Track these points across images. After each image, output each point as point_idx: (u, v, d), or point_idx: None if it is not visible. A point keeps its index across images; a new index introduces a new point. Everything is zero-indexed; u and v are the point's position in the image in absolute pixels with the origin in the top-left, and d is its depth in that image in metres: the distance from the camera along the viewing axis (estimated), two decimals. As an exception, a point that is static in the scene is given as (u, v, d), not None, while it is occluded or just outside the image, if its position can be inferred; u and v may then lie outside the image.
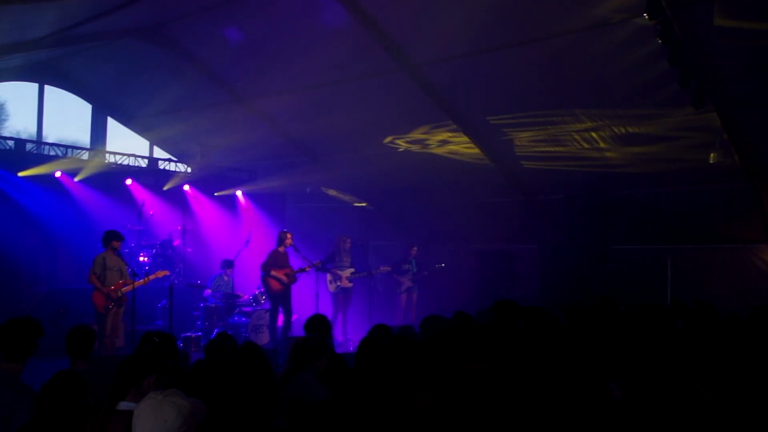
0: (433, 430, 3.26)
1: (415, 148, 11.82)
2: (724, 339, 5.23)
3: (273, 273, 9.98)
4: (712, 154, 9.28)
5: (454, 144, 11.38)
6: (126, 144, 14.32)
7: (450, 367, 3.86)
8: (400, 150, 11.94)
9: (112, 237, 8.48)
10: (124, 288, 8.31)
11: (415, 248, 12.09)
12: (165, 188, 12.29)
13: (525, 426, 3.64)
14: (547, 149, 10.61)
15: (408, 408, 3.37)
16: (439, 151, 11.72)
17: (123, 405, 3.04)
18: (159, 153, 14.43)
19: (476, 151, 11.20)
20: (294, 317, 10.02)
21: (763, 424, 3.04)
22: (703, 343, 3.85)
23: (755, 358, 4.34)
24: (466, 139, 10.95)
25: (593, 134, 9.92)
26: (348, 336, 10.69)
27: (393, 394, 3.81)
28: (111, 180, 11.50)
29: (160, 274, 9.02)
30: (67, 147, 11.67)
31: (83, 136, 13.94)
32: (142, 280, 8.52)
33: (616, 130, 9.64)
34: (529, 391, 3.95)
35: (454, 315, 5.64)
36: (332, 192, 14.14)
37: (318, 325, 5.36)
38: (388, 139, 11.76)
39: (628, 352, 4.80)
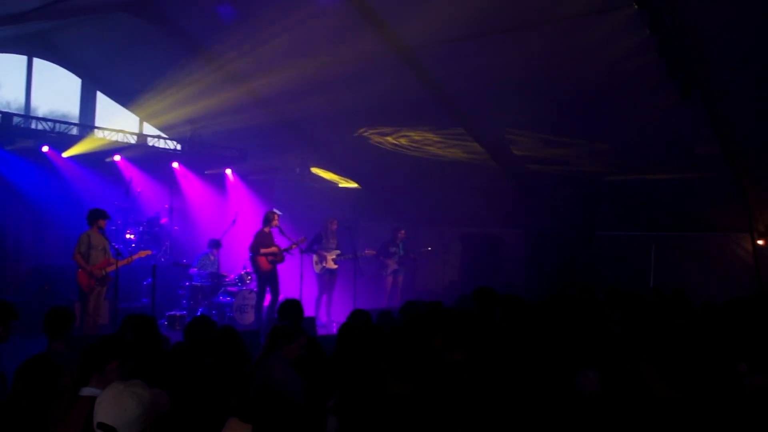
0: (405, 419, 3.26)
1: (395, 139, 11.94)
2: (696, 331, 5.30)
3: (262, 251, 10.02)
4: (697, 144, 9.32)
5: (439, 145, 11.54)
6: (115, 119, 14.24)
7: (427, 356, 3.85)
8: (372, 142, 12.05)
9: (98, 215, 8.45)
10: (108, 267, 8.33)
11: (403, 231, 12.13)
12: (153, 165, 12.24)
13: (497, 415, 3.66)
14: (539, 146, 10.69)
15: (380, 396, 3.36)
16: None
17: (86, 391, 3.08)
18: (148, 129, 14.35)
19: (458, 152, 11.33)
20: (279, 298, 10.07)
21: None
22: (673, 336, 3.85)
23: (723, 355, 4.39)
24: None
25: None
26: (332, 317, 10.77)
27: (366, 382, 3.85)
28: (99, 156, 11.44)
29: (143, 253, 9.01)
30: (55, 121, 11.59)
31: (73, 110, 13.86)
32: (125, 260, 8.52)
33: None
34: (504, 381, 3.97)
35: (427, 304, 5.67)
36: (321, 172, 14.14)
37: (289, 309, 5.39)
38: (362, 130, 11.86)
39: (602, 341, 4.85)
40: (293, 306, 5.46)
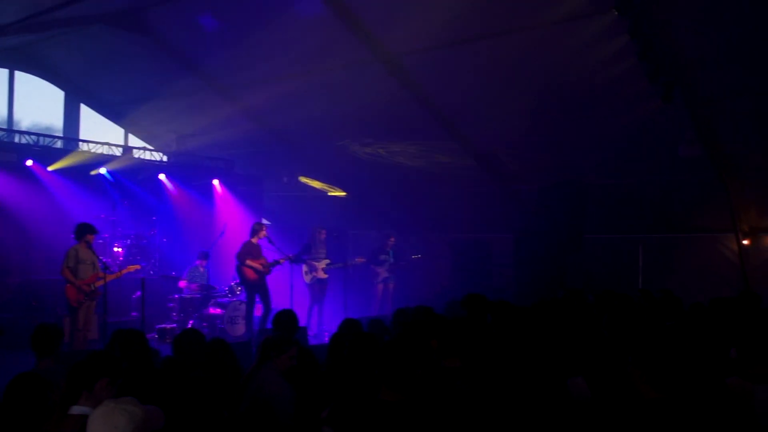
0: (398, 428, 3.25)
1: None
2: (682, 332, 5.34)
3: (248, 263, 9.97)
4: (680, 146, 9.42)
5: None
6: (100, 132, 14.19)
7: (421, 362, 3.83)
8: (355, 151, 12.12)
9: (86, 230, 8.36)
10: (97, 281, 8.26)
11: (393, 238, 12.13)
12: (140, 177, 12.16)
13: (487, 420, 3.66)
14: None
15: (374, 405, 3.31)
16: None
17: (75, 409, 3.04)
18: (134, 141, 14.28)
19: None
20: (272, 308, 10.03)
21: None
22: (659, 339, 3.88)
23: (710, 355, 4.43)
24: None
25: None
26: (323, 327, 10.73)
27: (358, 391, 3.83)
28: (85, 169, 11.35)
29: (132, 268, 8.93)
30: (39, 135, 11.50)
31: (56, 123, 13.78)
32: (114, 274, 8.45)
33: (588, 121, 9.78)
34: (497, 387, 3.96)
35: (415, 309, 5.66)
36: (309, 181, 14.12)
37: (284, 320, 5.38)
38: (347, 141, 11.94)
39: (592, 345, 4.87)
40: (288, 317, 5.45)
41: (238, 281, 10.44)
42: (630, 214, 11.16)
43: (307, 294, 11.06)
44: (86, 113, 13.92)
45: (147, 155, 12.73)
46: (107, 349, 4.87)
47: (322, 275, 11.05)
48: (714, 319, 5.76)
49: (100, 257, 8.57)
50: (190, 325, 9.71)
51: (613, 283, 10.04)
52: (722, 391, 3.53)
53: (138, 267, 9.21)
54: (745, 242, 10.62)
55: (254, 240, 10.12)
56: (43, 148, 11.24)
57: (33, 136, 11.32)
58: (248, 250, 10.04)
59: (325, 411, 3.41)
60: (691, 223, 10.99)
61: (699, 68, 8.26)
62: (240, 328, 10.10)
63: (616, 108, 9.26)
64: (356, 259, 11.50)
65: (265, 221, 10.64)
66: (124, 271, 8.78)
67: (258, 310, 10.13)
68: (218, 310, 10.38)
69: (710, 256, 10.94)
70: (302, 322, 10.16)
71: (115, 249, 11.17)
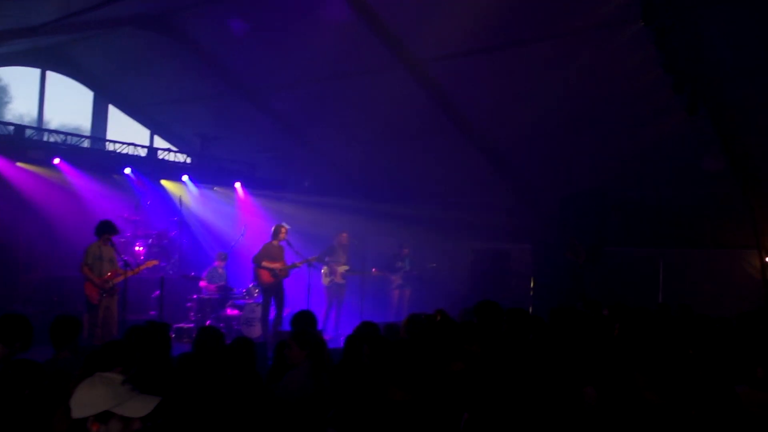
0: (406, 427, 3.25)
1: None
2: (703, 345, 5.29)
3: (264, 265, 10.02)
4: (704, 159, 9.31)
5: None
6: (127, 132, 14.41)
7: (429, 365, 3.87)
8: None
9: (106, 229, 8.44)
10: (116, 278, 8.35)
11: (407, 249, 12.15)
12: (163, 179, 12.31)
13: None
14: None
15: (383, 404, 3.32)
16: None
17: None
18: (159, 142, 14.48)
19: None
20: (286, 311, 10.07)
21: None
22: (665, 349, 3.89)
23: (719, 365, 4.39)
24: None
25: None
26: (340, 331, 10.74)
27: (367, 391, 3.86)
28: (110, 168, 11.53)
29: (150, 263, 9.02)
30: (66, 134, 11.71)
31: (85, 123, 14.03)
32: (132, 270, 8.50)
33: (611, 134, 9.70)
34: (501, 392, 3.97)
35: (434, 312, 5.69)
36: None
37: (302, 320, 5.43)
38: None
39: (604, 356, 4.86)
40: (306, 317, 5.52)
41: (255, 283, 10.49)
42: (651, 228, 11.02)
43: (324, 296, 11.10)
44: (114, 114, 14.17)
45: (171, 156, 12.89)
46: (124, 340, 4.91)
47: (339, 280, 11.09)
48: (737, 334, 5.70)
49: (122, 255, 8.66)
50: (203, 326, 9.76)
51: (632, 297, 9.92)
52: (729, 398, 3.53)
53: (156, 263, 9.28)
54: (768, 259, 10.43)
55: (275, 242, 10.18)
56: (70, 147, 11.44)
57: (61, 135, 11.53)
58: (266, 252, 10.09)
59: (331, 412, 3.43)
60: (713, 238, 10.81)
61: (725, 80, 8.17)
62: (255, 330, 10.12)
63: (640, 119, 9.18)
64: (373, 270, 11.55)
65: (284, 224, 10.65)
66: (143, 267, 8.85)
67: (272, 314, 10.19)
68: (235, 312, 10.44)
69: (732, 272, 10.75)
70: (319, 326, 10.22)
71: (137, 248, 11.31)
